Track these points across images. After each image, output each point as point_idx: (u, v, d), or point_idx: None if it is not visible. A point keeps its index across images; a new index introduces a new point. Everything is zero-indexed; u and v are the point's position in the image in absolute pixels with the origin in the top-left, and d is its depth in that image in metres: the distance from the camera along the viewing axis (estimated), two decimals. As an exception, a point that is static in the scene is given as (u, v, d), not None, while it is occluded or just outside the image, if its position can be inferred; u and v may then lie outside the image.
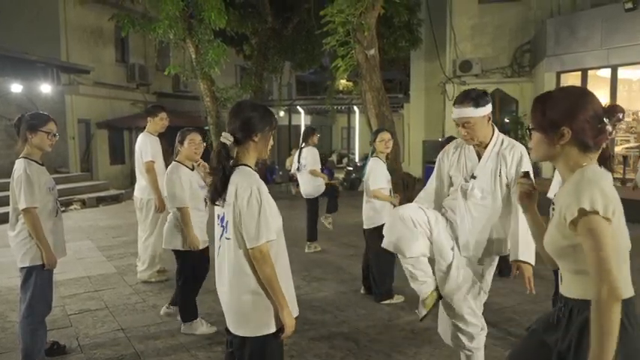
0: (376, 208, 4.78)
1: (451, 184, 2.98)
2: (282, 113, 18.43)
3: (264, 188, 2.12)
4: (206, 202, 4.04)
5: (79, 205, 11.17)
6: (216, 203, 2.19)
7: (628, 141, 11.05)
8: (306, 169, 6.79)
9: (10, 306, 4.63)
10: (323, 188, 6.84)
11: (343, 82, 22.69)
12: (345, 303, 4.78)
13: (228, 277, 2.17)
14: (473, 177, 2.84)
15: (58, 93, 12.96)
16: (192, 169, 4.09)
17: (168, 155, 4.55)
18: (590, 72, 10.75)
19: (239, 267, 2.12)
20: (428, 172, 8.91)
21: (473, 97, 2.72)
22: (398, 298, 4.72)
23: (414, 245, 2.78)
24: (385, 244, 2.89)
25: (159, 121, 5.47)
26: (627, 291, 1.64)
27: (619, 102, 9.18)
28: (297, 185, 7.26)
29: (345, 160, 20.76)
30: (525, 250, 2.70)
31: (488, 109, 2.75)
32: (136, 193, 5.54)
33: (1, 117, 11.08)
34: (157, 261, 5.51)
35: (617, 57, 10.03)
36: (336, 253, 6.80)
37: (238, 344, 2.19)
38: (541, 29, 11.86)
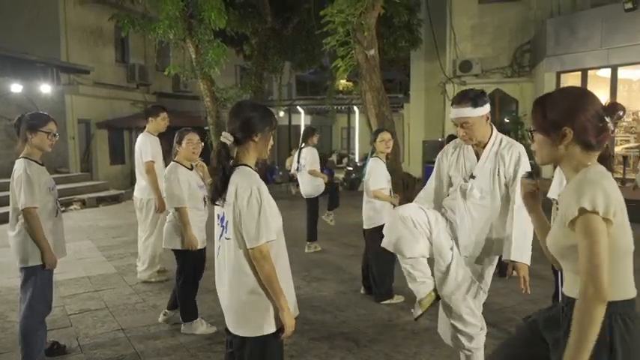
0: (376, 208, 4.78)
1: (450, 184, 2.99)
2: (282, 113, 18.44)
3: (264, 188, 2.12)
4: (205, 202, 4.05)
5: (79, 205, 11.17)
6: (216, 203, 2.19)
7: (628, 141, 11.05)
8: (306, 169, 6.79)
9: (10, 306, 4.63)
10: (323, 188, 6.85)
11: (343, 82, 22.68)
12: (345, 303, 4.78)
13: (228, 277, 2.17)
14: (472, 177, 2.84)
15: (58, 93, 12.95)
16: (191, 169, 4.09)
17: (169, 155, 4.55)
18: (590, 72, 10.75)
19: (239, 267, 2.12)
20: (428, 172, 8.90)
21: (471, 97, 2.72)
22: (398, 298, 4.72)
23: (414, 246, 2.78)
24: (385, 243, 2.89)
25: (160, 121, 5.48)
26: (628, 292, 1.64)
27: (619, 102, 9.16)
28: (297, 185, 7.27)
29: (345, 160, 20.75)
30: (519, 250, 2.70)
31: (486, 108, 2.75)
32: (136, 193, 5.54)
33: (1, 117, 11.08)
34: (157, 261, 5.51)
35: (617, 57, 10.03)
36: (336, 253, 6.80)
37: (238, 344, 2.19)
38: (541, 29, 11.86)
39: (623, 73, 10.65)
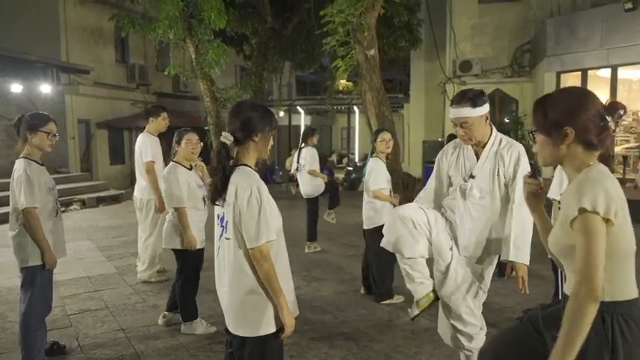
0: (377, 208, 4.78)
1: (450, 184, 2.99)
2: (282, 113, 18.44)
3: (265, 188, 2.12)
4: (205, 202, 4.06)
5: (79, 205, 11.17)
6: (216, 203, 2.19)
7: (628, 141, 11.04)
8: (305, 169, 6.80)
9: (10, 306, 4.63)
10: (322, 188, 6.85)
11: (343, 82, 22.68)
12: (345, 303, 4.78)
13: (228, 277, 2.17)
14: (471, 177, 2.85)
15: (58, 93, 12.95)
16: (190, 169, 4.10)
17: (168, 155, 4.56)
18: (590, 72, 10.74)
19: (239, 267, 2.12)
20: (428, 172, 8.90)
21: (470, 97, 2.72)
22: (398, 298, 4.72)
23: (413, 246, 2.78)
24: (384, 243, 2.89)
25: (161, 121, 5.48)
26: (630, 292, 1.64)
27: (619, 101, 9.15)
28: (297, 185, 7.27)
29: (345, 160, 20.76)
30: (518, 251, 2.71)
31: (485, 108, 2.75)
32: (136, 193, 5.54)
33: (1, 117, 11.08)
34: (157, 261, 5.51)
35: (617, 57, 10.02)
36: (336, 253, 6.80)
37: (238, 344, 2.19)
38: (541, 29, 11.85)
39: (623, 73, 10.64)
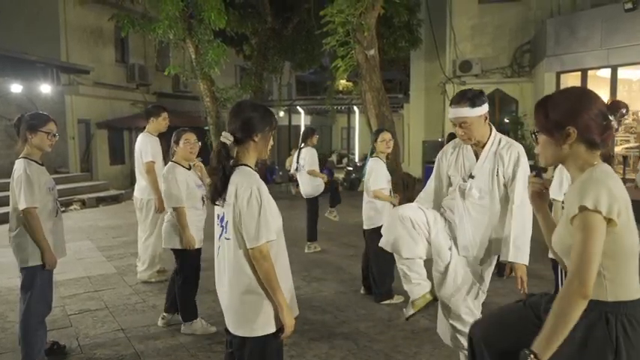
0: (377, 208, 4.78)
1: (450, 184, 2.99)
2: (282, 113, 18.44)
3: (265, 188, 2.13)
4: (203, 201, 4.06)
5: (78, 206, 11.17)
6: (216, 203, 2.19)
7: (628, 141, 11.04)
8: (305, 169, 6.80)
9: (10, 306, 4.63)
10: (322, 188, 6.86)
11: (343, 82, 22.68)
12: (345, 303, 4.78)
13: (227, 277, 2.17)
14: (471, 177, 2.85)
15: (58, 93, 12.96)
16: (189, 169, 4.10)
17: (168, 155, 4.56)
18: (590, 72, 10.75)
19: (239, 267, 2.12)
20: (428, 172, 8.91)
21: (469, 97, 2.72)
22: (398, 298, 4.72)
23: (412, 246, 2.78)
24: (383, 243, 2.90)
25: (162, 121, 5.48)
26: (633, 292, 1.64)
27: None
28: (297, 185, 7.28)
29: (345, 160, 20.76)
30: (517, 251, 2.71)
31: (484, 108, 2.75)
32: (136, 193, 5.54)
33: (1, 117, 11.08)
34: (157, 261, 5.51)
35: (617, 57, 10.02)
36: (336, 253, 6.80)
37: (238, 344, 2.19)
38: (541, 29, 11.86)
39: (623, 73, 10.65)
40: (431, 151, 12.76)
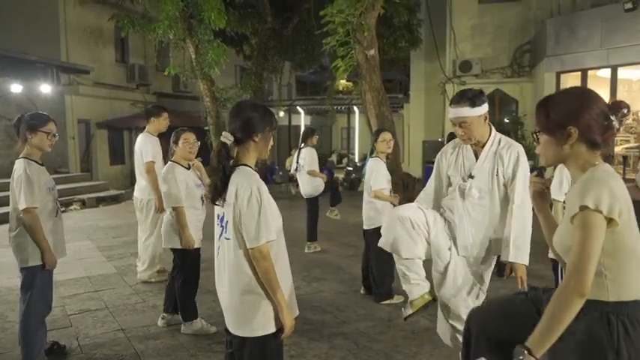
0: (377, 208, 4.77)
1: (450, 184, 2.99)
2: (282, 113, 18.44)
3: (265, 188, 2.13)
4: (203, 201, 4.06)
5: (78, 206, 11.17)
6: (216, 203, 2.19)
7: (628, 141, 11.05)
8: (305, 169, 6.81)
9: (10, 306, 4.63)
10: (322, 188, 6.86)
11: (343, 82, 22.68)
12: (345, 303, 4.78)
13: (227, 277, 2.17)
14: (471, 177, 2.85)
15: (58, 93, 12.96)
16: (189, 169, 4.10)
17: (168, 155, 4.56)
18: (590, 72, 10.74)
19: (239, 267, 2.12)
20: (428, 172, 8.91)
21: (469, 97, 2.73)
22: (398, 298, 4.72)
23: (411, 247, 2.78)
24: (382, 243, 2.89)
25: (162, 121, 5.48)
26: (635, 293, 1.63)
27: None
28: (297, 185, 7.28)
29: (345, 160, 20.77)
30: (517, 251, 2.71)
31: (484, 108, 2.75)
32: (136, 193, 5.54)
33: (1, 117, 11.08)
34: (157, 261, 5.51)
35: (617, 57, 10.02)
36: (336, 253, 6.80)
37: (238, 344, 2.19)
38: (541, 29, 11.85)
39: (623, 73, 10.64)
40: (431, 151, 12.76)
